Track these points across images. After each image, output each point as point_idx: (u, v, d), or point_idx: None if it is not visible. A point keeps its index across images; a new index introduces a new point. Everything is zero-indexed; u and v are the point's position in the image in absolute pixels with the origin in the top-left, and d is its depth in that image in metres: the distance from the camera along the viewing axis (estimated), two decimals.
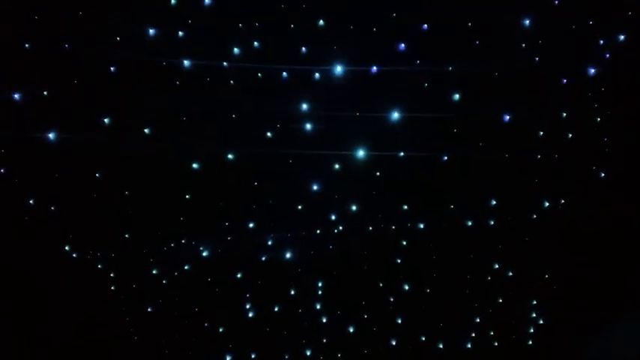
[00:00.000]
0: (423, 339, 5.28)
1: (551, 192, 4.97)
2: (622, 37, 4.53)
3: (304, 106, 4.53)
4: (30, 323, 5.00)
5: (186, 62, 4.45)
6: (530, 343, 5.29)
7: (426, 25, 4.55)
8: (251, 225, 4.94)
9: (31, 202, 4.71)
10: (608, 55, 4.59)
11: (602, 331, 5.16)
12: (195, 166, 4.66)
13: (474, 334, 5.29)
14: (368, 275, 5.18)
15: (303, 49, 4.47)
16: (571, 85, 4.62)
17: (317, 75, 4.55)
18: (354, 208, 4.93)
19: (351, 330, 5.24)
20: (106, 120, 4.48)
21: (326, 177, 4.79)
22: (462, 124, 4.72)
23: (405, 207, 5.01)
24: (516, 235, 5.08)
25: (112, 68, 4.48)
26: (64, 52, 4.40)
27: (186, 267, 5.02)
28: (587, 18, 4.57)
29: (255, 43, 4.52)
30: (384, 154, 4.73)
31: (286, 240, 5.00)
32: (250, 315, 5.18)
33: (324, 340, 5.27)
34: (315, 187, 4.86)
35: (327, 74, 4.50)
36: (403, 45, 4.38)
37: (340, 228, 5.02)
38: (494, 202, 4.97)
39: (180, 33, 4.44)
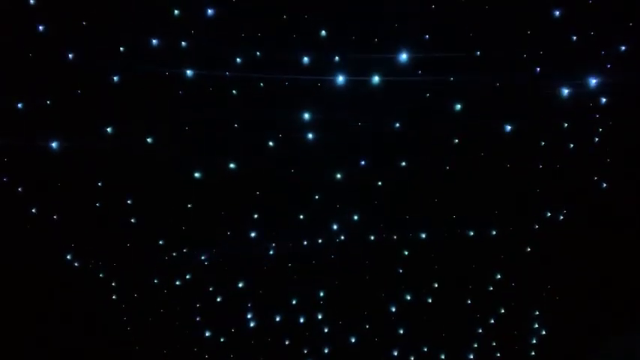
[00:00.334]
0: (425, 349, 5.25)
1: (552, 202, 4.97)
2: (623, 48, 4.55)
3: (306, 116, 4.54)
4: (31, 332, 4.98)
5: (188, 72, 4.47)
6: (533, 353, 5.25)
7: (427, 36, 4.59)
8: (253, 234, 4.94)
9: (33, 210, 4.71)
10: (609, 66, 4.61)
11: (604, 343, 5.13)
12: (197, 175, 4.67)
13: (476, 345, 5.26)
14: (369, 285, 5.16)
15: (306, 58, 4.49)
16: (572, 96, 4.63)
17: (319, 84, 4.57)
18: (355, 217, 4.94)
19: (353, 340, 5.21)
20: (108, 129, 4.49)
21: (328, 186, 4.80)
22: (463, 134, 4.73)
23: (407, 217, 5.02)
24: (518, 245, 5.07)
25: (115, 78, 4.50)
26: (67, 61, 4.42)
27: (187, 276, 5.01)
28: (588, 29, 4.59)
29: (258, 52, 4.55)
30: (385, 164, 4.75)
31: (288, 249, 5.00)
32: (252, 325, 5.16)
33: (326, 351, 5.23)
34: (316, 197, 4.88)
35: (329, 84, 4.51)
36: (405, 55, 4.40)
37: (342, 237, 5.01)
38: (496, 212, 4.97)
39: (184, 43, 4.47)
